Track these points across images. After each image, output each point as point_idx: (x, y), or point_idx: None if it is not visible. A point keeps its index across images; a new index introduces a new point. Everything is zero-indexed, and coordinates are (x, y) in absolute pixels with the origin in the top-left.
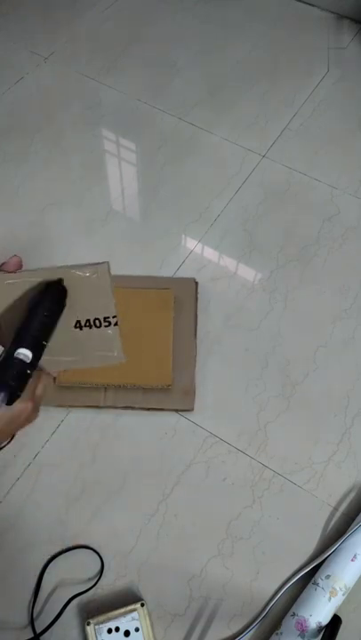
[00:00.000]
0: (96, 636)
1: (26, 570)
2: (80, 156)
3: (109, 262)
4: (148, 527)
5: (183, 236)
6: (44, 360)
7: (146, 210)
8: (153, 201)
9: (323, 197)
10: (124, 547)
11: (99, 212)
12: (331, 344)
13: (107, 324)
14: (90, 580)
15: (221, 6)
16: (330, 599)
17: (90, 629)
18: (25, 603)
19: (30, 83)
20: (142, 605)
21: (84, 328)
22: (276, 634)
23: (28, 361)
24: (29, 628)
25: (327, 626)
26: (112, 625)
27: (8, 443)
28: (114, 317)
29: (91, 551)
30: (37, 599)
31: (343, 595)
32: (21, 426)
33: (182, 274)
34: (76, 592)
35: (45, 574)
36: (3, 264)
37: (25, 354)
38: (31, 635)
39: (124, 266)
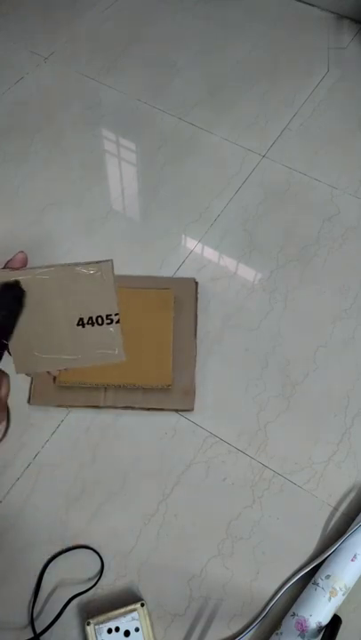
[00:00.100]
0: (96, 636)
1: (26, 570)
2: (80, 156)
3: (113, 260)
4: (148, 527)
5: (183, 236)
6: (45, 359)
7: (146, 210)
8: (153, 201)
9: (323, 197)
10: (124, 547)
11: (99, 211)
12: (331, 344)
13: (109, 321)
14: (90, 580)
15: (221, 6)
16: (330, 599)
17: (90, 629)
18: (25, 603)
19: (30, 83)
20: (142, 605)
21: (86, 326)
22: (276, 634)
23: None
24: (29, 628)
25: (327, 626)
26: (112, 625)
27: None
28: (116, 315)
29: (91, 551)
30: (37, 599)
31: (343, 595)
32: None
33: (182, 274)
34: (76, 592)
35: (45, 574)
36: (9, 261)
37: None
38: (31, 635)
39: (124, 266)
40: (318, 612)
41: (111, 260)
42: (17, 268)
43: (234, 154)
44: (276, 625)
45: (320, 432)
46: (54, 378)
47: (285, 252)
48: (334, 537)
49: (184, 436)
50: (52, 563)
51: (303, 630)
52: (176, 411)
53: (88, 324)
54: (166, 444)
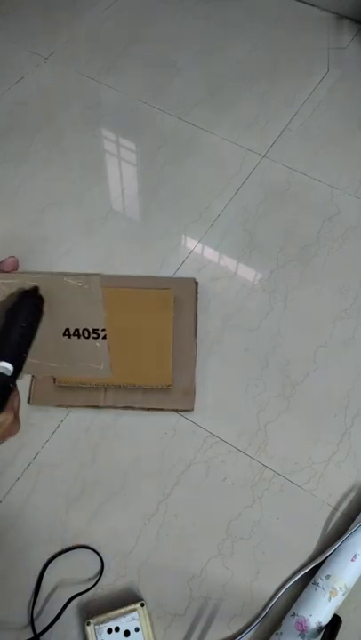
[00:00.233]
0: (96, 636)
1: (26, 570)
2: (80, 156)
3: (100, 275)
4: (148, 527)
5: (183, 236)
6: (30, 363)
7: (146, 210)
8: (153, 201)
9: (323, 197)
10: (124, 547)
11: (99, 211)
12: (331, 344)
13: (95, 335)
14: (90, 579)
15: (221, 6)
16: (330, 599)
17: (90, 629)
18: (25, 603)
19: (30, 83)
20: (142, 605)
21: (72, 337)
22: (276, 634)
23: (10, 374)
24: (29, 628)
25: (327, 626)
26: (112, 625)
27: None
28: (103, 331)
29: (91, 551)
30: (37, 599)
31: (343, 595)
32: (3, 437)
33: (182, 274)
34: (76, 592)
35: (45, 574)
36: (0, 262)
37: (6, 367)
38: (31, 635)
39: (123, 266)
40: (318, 612)
41: (99, 275)
42: (7, 272)
43: (234, 154)
44: (276, 625)
45: (320, 432)
46: (54, 378)
47: (285, 252)
48: (334, 537)
49: (184, 436)
50: (52, 563)
51: (303, 630)
52: (176, 411)
53: (74, 335)
54: (166, 444)
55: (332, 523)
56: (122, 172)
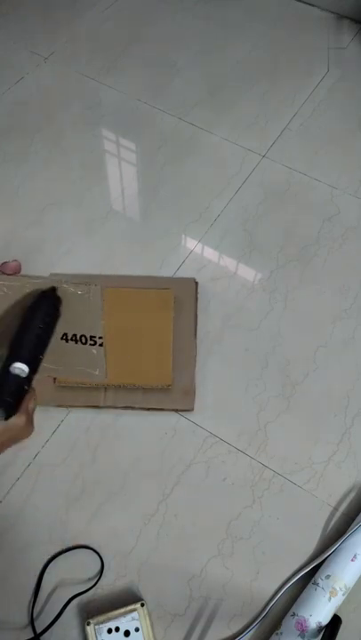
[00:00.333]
0: (96, 636)
1: (26, 570)
2: (80, 156)
3: (101, 287)
4: (148, 527)
5: (183, 236)
6: None
7: (146, 210)
8: (153, 201)
9: (323, 197)
10: (124, 547)
11: (99, 211)
12: (331, 344)
13: (92, 342)
14: (90, 579)
15: (221, 6)
16: (330, 599)
17: (90, 629)
18: (25, 603)
19: (30, 83)
20: (142, 605)
21: (69, 341)
22: (276, 634)
23: (25, 376)
24: (29, 628)
25: (327, 626)
26: (112, 625)
27: None
28: (100, 338)
29: (91, 551)
30: (37, 599)
31: (343, 595)
32: (15, 440)
33: (182, 274)
34: (76, 592)
35: (45, 574)
36: (2, 264)
37: (21, 368)
38: (31, 635)
39: (123, 266)
40: (318, 612)
41: (100, 286)
42: (9, 274)
43: (234, 154)
44: (276, 625)
45: (320, 432)
46: (54, 378)
47: (285, 252)
48: (334, 537)
49: (184, 436)
50: (52, 563)
51: (303, 630)
52: (176, 411)
53: (72, 340)
54: (166, 444)
55: (332, 523)
56: (122, 171)
